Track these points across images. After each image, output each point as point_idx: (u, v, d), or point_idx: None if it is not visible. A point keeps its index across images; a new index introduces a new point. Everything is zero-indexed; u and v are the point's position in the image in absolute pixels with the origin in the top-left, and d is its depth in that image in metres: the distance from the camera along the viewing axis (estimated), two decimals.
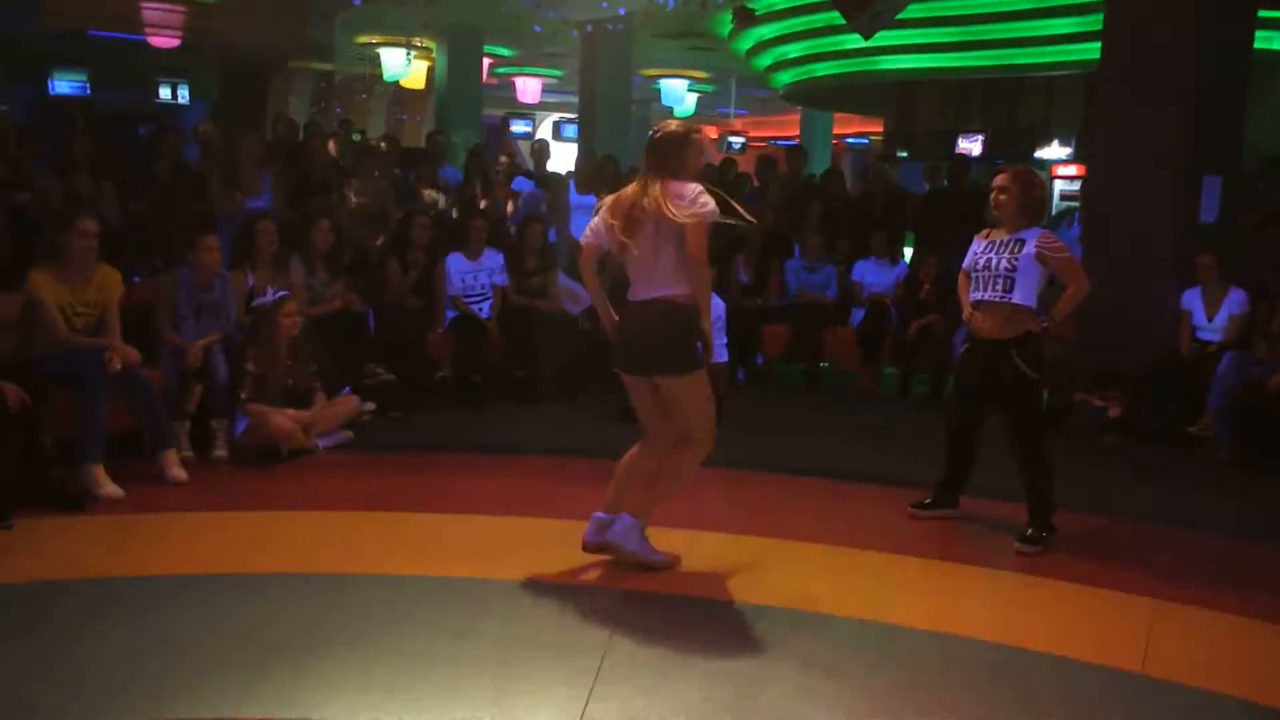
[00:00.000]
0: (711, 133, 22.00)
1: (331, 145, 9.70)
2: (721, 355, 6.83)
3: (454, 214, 8.62)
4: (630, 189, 3.99)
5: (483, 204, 8.51)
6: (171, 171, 7.35)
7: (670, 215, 3.81)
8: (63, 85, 12.37)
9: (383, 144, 9.42)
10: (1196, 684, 3.32)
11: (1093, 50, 7.81)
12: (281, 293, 5.72)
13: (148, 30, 12.58)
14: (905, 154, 13.10)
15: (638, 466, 4.13)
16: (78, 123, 9.72)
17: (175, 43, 12.84)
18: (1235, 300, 6.51)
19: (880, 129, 15.77)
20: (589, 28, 12.35)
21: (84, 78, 12.41)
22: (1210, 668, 3.45)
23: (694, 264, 3.84)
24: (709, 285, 3.94)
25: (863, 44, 8.93)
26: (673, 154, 3.94)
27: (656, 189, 3.87)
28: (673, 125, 4.04)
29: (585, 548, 4.14)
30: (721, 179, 9.98)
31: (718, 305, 6.82)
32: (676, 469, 4.06)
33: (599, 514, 4.13)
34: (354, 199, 7.62)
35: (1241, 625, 3.83)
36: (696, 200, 3.85)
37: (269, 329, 5.56)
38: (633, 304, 3.98)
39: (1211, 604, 3.98)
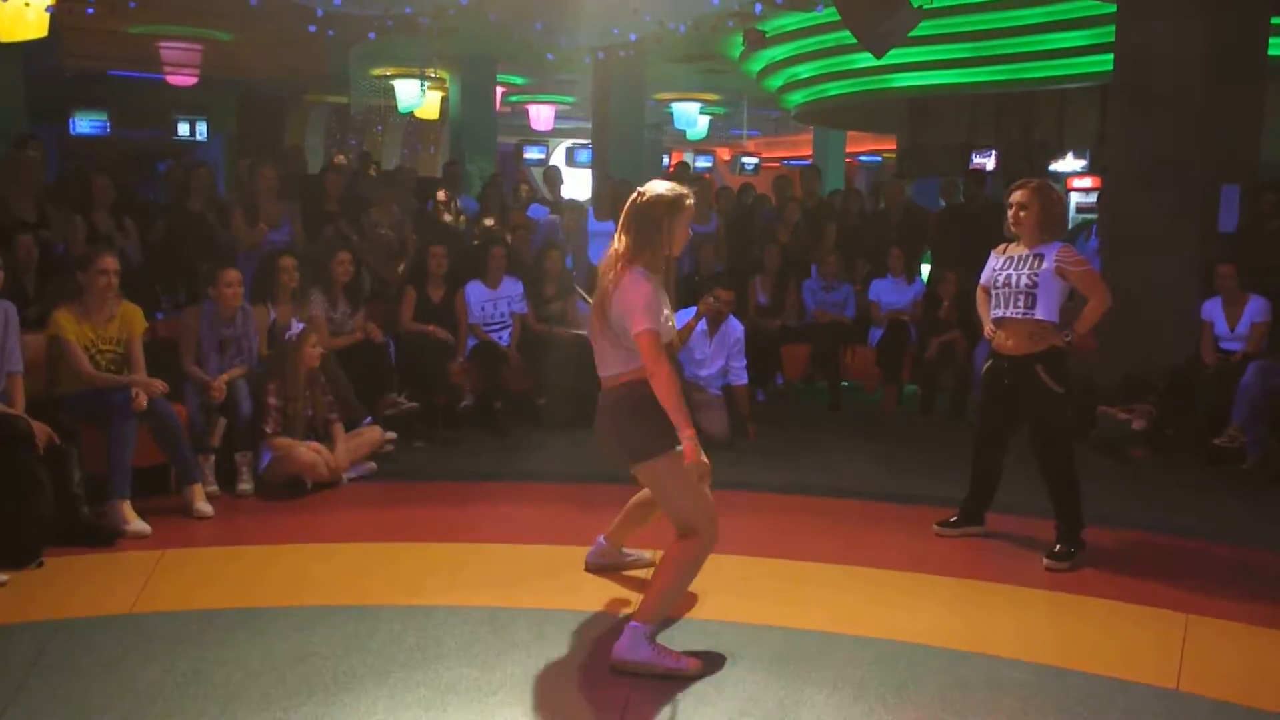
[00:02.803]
0: (724, 155, 22.09)
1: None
2: (741, 378, 6.86)
3: (473, 241, 8.65)
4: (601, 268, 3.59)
5: (509, 237, 8.53)
6: (185, 209, 7.41)
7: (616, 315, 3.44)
8: (83, 125, 12.56)
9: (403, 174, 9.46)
10: (1233, 699, 3.29)
11: (1105, 62, 7.81)
12: (301, 324, 5.78)
13: (166, 69, 12.74)
14: (920, 172, 13.11)
15: (646, 500, 4.15)
16: (98, 161, 9.85)
17: (193, 80, 13.01)
18: (1256, 308, 6.46)
19: (893, 146, 15.79)
20: (600, 54, 12.42)
21: (104, 117, 12.60)
22: (1247, 682, 3.41)
23: (649, 375, 3.37)
24: (670, 383, 3.36)
25: (874, 62, 8.93)
26: (652, 225, 3.46)
27: (614, 277, 3.46)
28: (661, 189, 3.50)
29: (587, 568, 4.33)
30: (739, 203, 10.02)
31: (736, 328, 6.85)
32: (678, 562, 3.50)
33: (601, 538, 4.33)
34: (374, 230, 7.67)
35: (1277, 638, 3.78)
36: (636, 311, 3.36)
37: (292, 363, 5.59)
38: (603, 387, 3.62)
39: (1245, 617, 3.94)
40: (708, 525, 3.53)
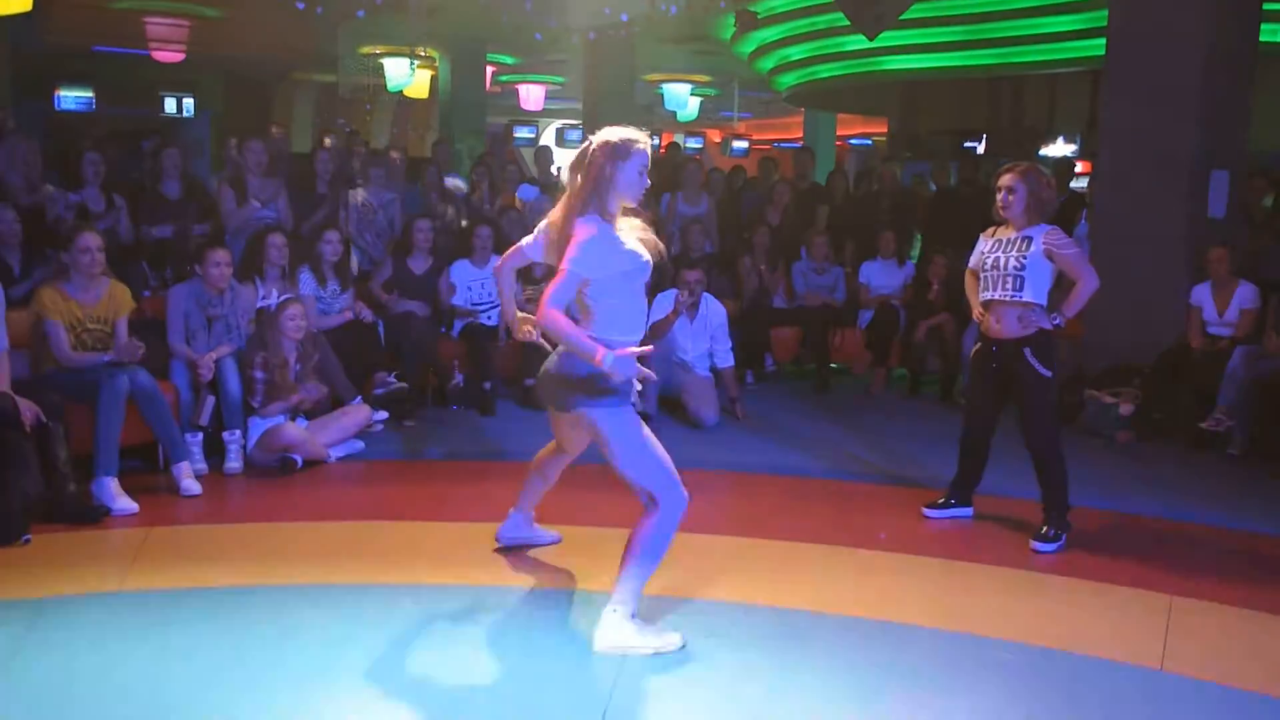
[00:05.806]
0: (715, 136, 22.02)
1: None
2: (727, 360, 6.87)
3: (462, 222, 8.62)
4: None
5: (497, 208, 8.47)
6: (182, 186, 7.37)
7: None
8: (69, 101, 12.45)
9: (394, 153, 9.42)
10: (1216, 680, 3.32)
11: (1097, 47, 7.80)
12: (285, 294, 5.78)
13: (152, 45, 12.65)
14: (910, 154, 13.11)
15: (545, 461, 4.13)
16: (85, 138, 9.76)
17: (180, 57, 12.91)
18: (1245, 294, 6.48)
19: (884, 129, 15.79)
20: (591, 34, 12.37)
21: (90, 93, 12.49)
22: (1230, 663, 3.45)
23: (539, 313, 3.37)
24: (558, 323, 3.35)
25: (866, 45, 8.92)
26: (597, 171, 3.34)
27: (565, 225, 3.38)
28: (610, 134, 3.40)
29: (498, 543, 4.30)
30: (729, 186, 10.00)
31: (718, 311, 6.84)
32: (644, 539, 3.41)
33: (512, 510, 4.30)
34: (361, 209, 7.63)
35: (1260, 620, 3.82)
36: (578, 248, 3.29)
37: (274, 331, 5.57)
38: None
39: (1229, 599, 3.97)
40: (667, 492, 3.42)
